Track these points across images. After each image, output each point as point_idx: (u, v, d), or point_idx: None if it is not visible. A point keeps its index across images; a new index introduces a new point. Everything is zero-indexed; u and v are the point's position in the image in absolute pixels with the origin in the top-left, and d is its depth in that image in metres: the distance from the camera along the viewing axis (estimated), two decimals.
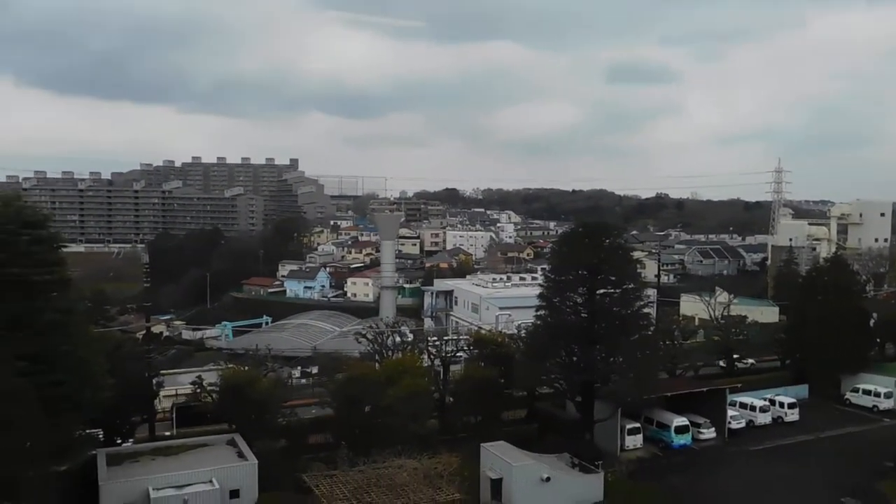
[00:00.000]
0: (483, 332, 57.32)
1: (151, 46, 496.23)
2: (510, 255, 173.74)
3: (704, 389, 49.24)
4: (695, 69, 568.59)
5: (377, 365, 47.98)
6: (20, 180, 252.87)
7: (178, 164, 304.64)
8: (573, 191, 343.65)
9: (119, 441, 41.54)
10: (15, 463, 25.91)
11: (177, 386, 51.15)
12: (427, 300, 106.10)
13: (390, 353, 50.38)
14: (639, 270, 60.12)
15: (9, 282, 31.01)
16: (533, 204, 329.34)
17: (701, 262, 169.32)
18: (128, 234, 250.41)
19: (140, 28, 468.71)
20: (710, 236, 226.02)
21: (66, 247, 37.14)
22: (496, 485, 36.44)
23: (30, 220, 33.31)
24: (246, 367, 44.92)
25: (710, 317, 69.58)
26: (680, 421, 46.26)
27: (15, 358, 28.72)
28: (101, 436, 39.90)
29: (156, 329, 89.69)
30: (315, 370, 62.04)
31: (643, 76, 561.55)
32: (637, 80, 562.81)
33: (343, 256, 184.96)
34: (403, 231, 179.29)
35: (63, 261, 34.74)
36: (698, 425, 47.10)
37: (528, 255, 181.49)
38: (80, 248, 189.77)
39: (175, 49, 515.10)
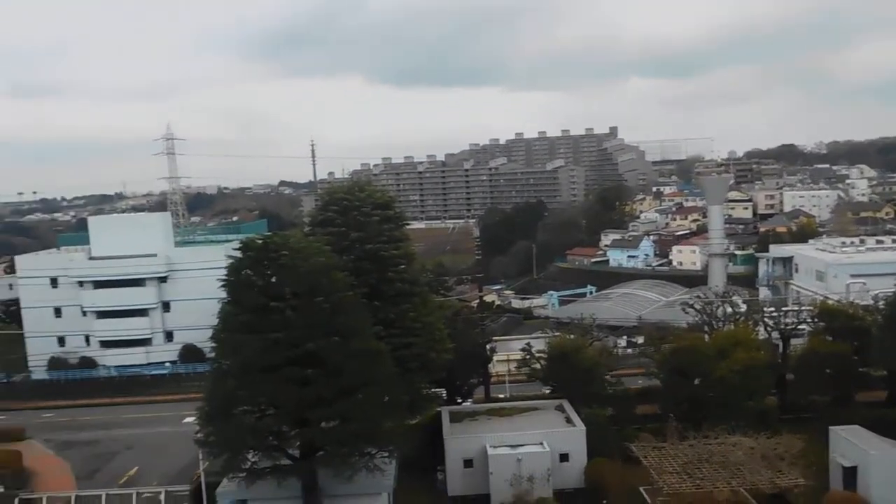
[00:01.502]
0: (831, 302, 51.46)
1: (478, 31, 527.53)
2: (863, 215, 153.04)
3: None
4: None
5: (706, 336, 45.86)
6: (371, 167, 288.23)
7: (502, 141, 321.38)
8: None
9: (459, 400, 45.59)
10: (377, 414, 29.95)
11: (508, 352, 54.40)
12: (762, 268, 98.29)
13: (721, 324, 47.79)
14: None
15: (366, 257, 35.81)
16: (891, 155, 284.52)
17: None
18: (460, 210, 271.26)
19: (467, 13, 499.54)
20: None
21: (409, 224, 41.70)
22: (849, 473, 32.70)
23: (380, 201, 38.02)
24: (572, 336, 46.06)
25: None
26: None
27: (373, 323, 33.14)
28: (444, 395, 44.21)
29: (488, 298, 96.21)
30: (640, 340, 61.44)
31: None
32: None
33: (667, 224, 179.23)
34: (732, 194, 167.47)
35: (407, 237, 39.14)
36: None
37: (886, 214, 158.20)
38: (421, 224, 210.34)
39: (498, 31, 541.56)
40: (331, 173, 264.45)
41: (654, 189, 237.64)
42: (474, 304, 59.64)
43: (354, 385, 29.47)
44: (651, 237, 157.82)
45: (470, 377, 46.81)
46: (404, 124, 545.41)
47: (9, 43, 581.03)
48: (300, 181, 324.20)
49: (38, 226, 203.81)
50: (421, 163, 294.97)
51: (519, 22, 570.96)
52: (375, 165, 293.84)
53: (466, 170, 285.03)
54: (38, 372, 65.75)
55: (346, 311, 30.32)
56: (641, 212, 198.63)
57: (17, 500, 35.45)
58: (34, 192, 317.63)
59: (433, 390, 41.24)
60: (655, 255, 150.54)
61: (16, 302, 73.83)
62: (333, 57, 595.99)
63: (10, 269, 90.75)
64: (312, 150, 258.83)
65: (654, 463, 33.29)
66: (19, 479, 39.75)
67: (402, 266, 37.70)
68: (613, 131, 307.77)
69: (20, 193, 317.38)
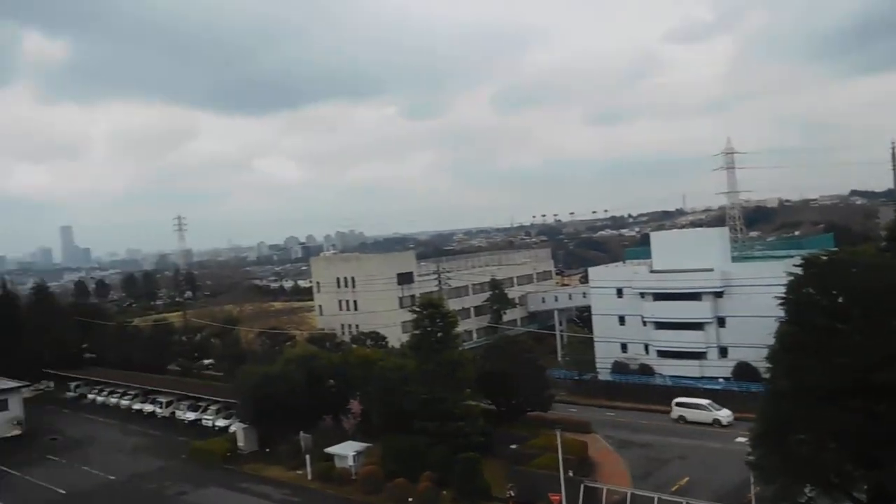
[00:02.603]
0: None
1: None
2: None
3: None
4: None
5: None
6: None
7: None
8: None
9: None
10: None
11: None
12: None
13: None
14: None
15: None
16: None
17: None
18: None
19: None
20: None
21: None
22: None
23: None
24: None
25: None
26: None
27: None
28: None
29: None
30: None
31: None
32: None
33: None
34: None
35: None
36: None
37: None
38: None
39: None
40: None
41: None
42: None
43: None
44: None
45: None
46: None
47: (588, 75, 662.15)
48: (877, 190, 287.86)
49: (608, 241, 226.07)
50: None
51: None
52: None
53: None
54: (604, 373, 72.63)
55: None
56: None
57: (582, 486, 39.55)
58: (605, 210, 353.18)
59: None
60: None
61: (588, 309, 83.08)
62: None
63: (584, 279, 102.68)
64: (893, 154, 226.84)
65: None
66: (584, 467, 44.49)
67: None
68: None
69: (594, 212, 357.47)
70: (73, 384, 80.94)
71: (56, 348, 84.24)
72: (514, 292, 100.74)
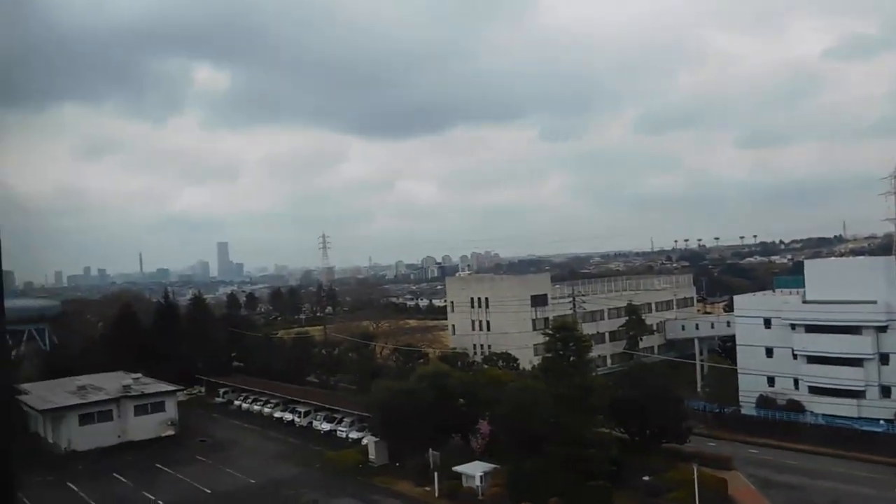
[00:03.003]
0: None
1: None
2: None
3: None
4: None
5: None
6: None
7: None
8: None
9: None
10: None
11: None
12: None
13: None
14: None
15: None
16: None
17: None
18: None
19: None
20: None
21: None
22: None
23: None
24: None
25: None
26: None
27: None
28: None
29: None
30: None
31: None
32: None
33: None
34: None
35: None
36: None
37: None
38: None
39: None
40: None
41: None
42: None
43: None
44: None
45: None
46: None
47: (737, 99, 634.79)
48: None
49: (755, 268, 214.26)
50: None
51: None
52: None
53: None
54: (748, 407, 68.62)
55: None
56: None
57: None
58: (754, 236, 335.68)
59: None
60: None
61: (731, 339, 78.99)
62: None
63: (728, 308, 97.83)
64: None
65: None
66: None
67: None
68: None
69: (741, 237, 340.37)
70: (221, 390, 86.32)
71: (208, 356, 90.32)
72: (651, 318, 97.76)
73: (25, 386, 73.98)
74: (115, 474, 56.52)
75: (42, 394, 70.71)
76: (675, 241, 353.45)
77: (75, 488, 53.22)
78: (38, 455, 60.35)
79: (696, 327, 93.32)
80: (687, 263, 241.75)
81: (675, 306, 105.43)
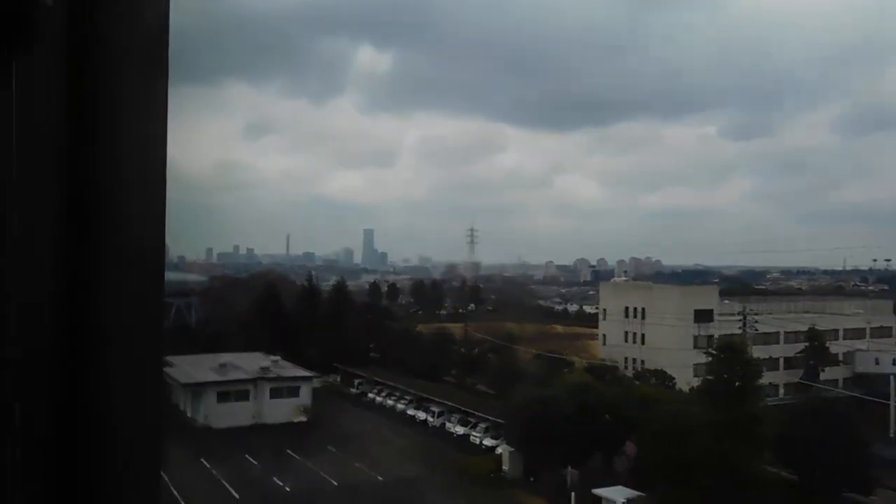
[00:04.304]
0: None
1: None
2: None
3: None
4: None
5: None
6: None
7: None
8: None
9: None
10: None
11: None
12: None
13: None
14: None
15: None
16: None
17: None
18: None
19: None
20: None
21: None
22: None
23: None
24: None
25: None
26: None
27: None
28: None
29: None
30: None
31: None
32: None
33: None
34: None
35: None
36: None
37: None
38: None
39: None
40: None
41: None
42: None
43: None
44: None
45: None
46: None
47: None
48: None
49: None
50: None
51: None
52: None
53: None
54: None
55: None
56: None
57: None
58: None
59: None
60: None
61: None
62: None
63: None
64: None
65: None
66: None
67: None
68: None
69: None
70: (356, 381, 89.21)
71: (346, 345, 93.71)
72: (837, 347, 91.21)
73: (171, 359, 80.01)
74: (246, 455, 59.77)
75: (185, 368, 76.15)
76: (874, 261, 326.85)
77: (208, 465, 56.76)
78: (176, 428, 64.99)
79: (894, 362, 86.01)
80: (886, 287, 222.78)
81: (868, 335, 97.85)
